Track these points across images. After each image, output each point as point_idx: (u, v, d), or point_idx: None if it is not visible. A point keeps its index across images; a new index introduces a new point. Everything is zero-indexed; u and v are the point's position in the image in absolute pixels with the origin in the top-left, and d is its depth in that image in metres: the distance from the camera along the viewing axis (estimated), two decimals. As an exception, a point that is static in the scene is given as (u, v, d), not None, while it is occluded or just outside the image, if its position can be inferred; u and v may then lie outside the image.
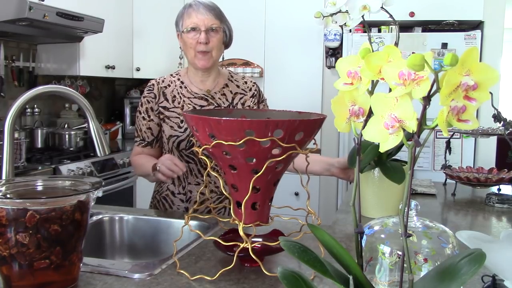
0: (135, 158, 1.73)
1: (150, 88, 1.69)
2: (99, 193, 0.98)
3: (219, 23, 1.65)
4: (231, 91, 1.73)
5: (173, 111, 1.66)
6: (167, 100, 1.67)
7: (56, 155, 2.89)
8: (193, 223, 1.42)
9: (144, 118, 1.68)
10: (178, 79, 1.72)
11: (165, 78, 1.72)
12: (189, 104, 1.67)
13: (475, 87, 0.53)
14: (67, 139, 3.13)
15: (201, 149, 1.04)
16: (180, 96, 1.68)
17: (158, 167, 1.49)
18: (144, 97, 1.69)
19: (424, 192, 1.95)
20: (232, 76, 1.78)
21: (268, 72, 3.84)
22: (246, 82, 1.78)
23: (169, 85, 1.70)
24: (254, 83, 1.80)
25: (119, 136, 3.89)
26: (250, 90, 1.77)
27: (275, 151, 0.98)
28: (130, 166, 3.22)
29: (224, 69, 1.82)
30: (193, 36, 1.62)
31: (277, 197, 1.15)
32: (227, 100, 1.71)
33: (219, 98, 1.71)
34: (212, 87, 1.72)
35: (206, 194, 1.60)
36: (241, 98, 1.73)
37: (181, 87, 1.70)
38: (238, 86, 1.76)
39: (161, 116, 1.67)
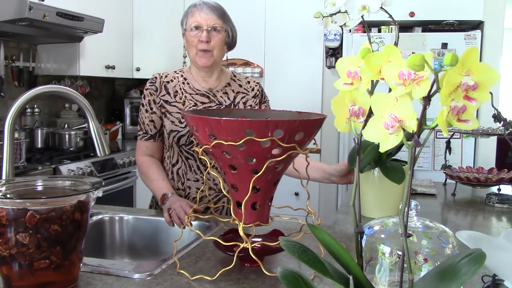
0: (143, 163, 1.70)
1: (152, 81, 1.70)
2: (99, 193, 0.98)
3: (222, 23, 1.66)
4: (233, 90, 1.74)
5: (175, 106, 1.67)
6: (168, 94, 1.68)
7: (56, 155, 2.89)
8: (193, 223, 1.42)
9: (147, 111, 1.69)
10: (182, 76, 1.73)
11: (168, 74, 1.73)
12: (191, 100, 1.68)
13: (475, 87, 0.53)
14: (67, 139, 3.13)
15: (201, 149, 1.04)
16: (182, 92, 1.69)
17: (171, 211, 1.45)
18: (146, 89, 1.70)
19: (424, 192, 1.95)
20: (235, 76, 1.79)
21: (268, 72, 3.84)
22: (249, 82, 1.79)
23: (172, 80, 1.71)
24: (257, 83, 1.81)
25: (119, 136, 3.89)
26: (253, 90, 1.77)
27: (275, 151, 0.98)
28: (130, 166, 3.22)
29: (228, 69, 1.82)
30: (195, 35, 1.64)
31: (277, 197, 1.15)
32: (228, 98, 1.72)
33: (220, 96, 1.71)
34: (215, 85, 1.73)
35: (205, 192, 1.60)
36: (243, 98, 1.74)
37: (183, 83, 1.71)
38: (240, 86, 1.76)
39: (163, 110, 1.67)
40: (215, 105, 1.70)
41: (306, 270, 1.02)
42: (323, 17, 0.94)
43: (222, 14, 1.67)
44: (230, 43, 1.74)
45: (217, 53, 1.67)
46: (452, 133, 2.07)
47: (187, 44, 1.68)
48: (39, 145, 3.13)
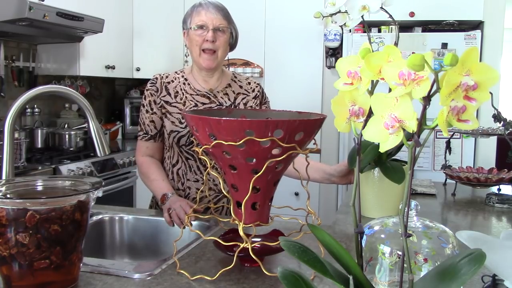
0: (143, 163, 1.70)
1: (153, 82, 1.70)
2: (99, 193, 0.98)
3: (227, 24, 1.67)
4: (233, 91, 1.74)
5: (175, 106, 1.67)
6: (169, 94, 1.68)
7: (56, 155, 2.89)
8: (193, 223, 1.42)
9: (147, 111, 1.69)
10: (182, 76, 1.73)
11: (169, 74, 1.73)
12: (191, 100, 1.68)
13: (475, 87, 0.53)
14: (67, 139, 3.13)
15: (201, 149, 1.04)
16: (182, 92, 1.69)
17: (171, 211, 1.45)
18: (147, 90, 1.70)
19: (424, 192, 1.95)
20: (235, 77, 1.79)
21: (268, 72, 3.84)
22: (249, 83, 1.79)
23: (172, 81, 1.71)
24: (258, 84, 1.81)
25: (119, 136, 3.89)
26: (253, 91, 1.77)
27: (275, 151, 0.98)
28: (130, 166, 3.22)
29: (228, 70, 1.82)
30: (200, 34, 1.63)
31: (277, 197, 1.15)
32: (229, 99, 1.72)
33: (221, 97, 1.71)
34: (215, 86, 1.73)
35: (205, 192, 1.60)
36: (243, 99, 1.74)
37: (184, 83, 1.71)
38: (241, 87, 1.76)
39: (163, 111, 1.67)
40: (216, 106, 1.70)
41: (306, 270, 1.02)
42: (323, 17, 0.94)
43: (227, 15, 1.68)
44: (233, 44, 1.74)
45: (221, 54, 1.67)
46: (452, 133, 2.07)
47: (190, 44, 1.67)
48: (39, 145, 3.13)
